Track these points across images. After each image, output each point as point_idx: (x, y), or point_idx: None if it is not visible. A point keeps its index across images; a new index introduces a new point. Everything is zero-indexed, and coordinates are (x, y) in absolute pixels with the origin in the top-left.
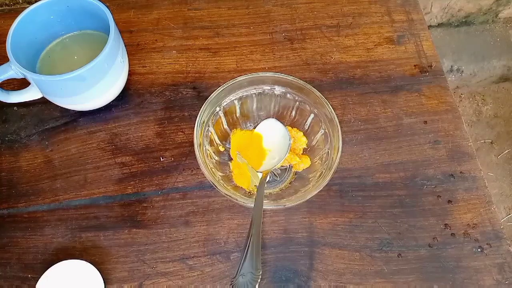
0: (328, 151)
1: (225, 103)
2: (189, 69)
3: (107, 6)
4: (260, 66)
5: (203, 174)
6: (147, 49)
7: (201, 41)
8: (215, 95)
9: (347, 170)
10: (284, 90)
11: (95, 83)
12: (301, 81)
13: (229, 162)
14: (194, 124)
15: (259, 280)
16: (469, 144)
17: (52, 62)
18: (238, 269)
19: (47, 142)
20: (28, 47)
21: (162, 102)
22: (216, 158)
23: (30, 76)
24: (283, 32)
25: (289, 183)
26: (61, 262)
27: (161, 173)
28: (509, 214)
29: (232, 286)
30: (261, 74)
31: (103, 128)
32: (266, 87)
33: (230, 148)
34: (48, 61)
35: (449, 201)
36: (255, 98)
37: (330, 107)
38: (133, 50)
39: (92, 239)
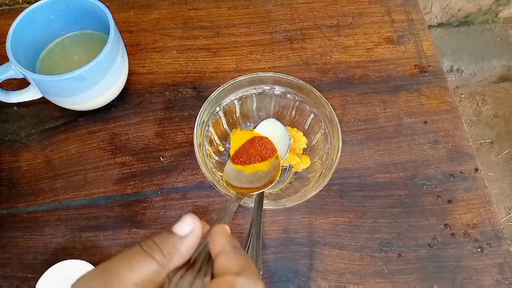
0: (328, 151)
1: (225, 103)
2: (189, 69)
3: (107, 6)
4: (260, 66)
5: (203, 174)
6: (147, 49)
7: (201, 41)
8: (215, 95)
9: (347, 170)
10: (284, 90)
11: (95, 83)
12: (301, 81)
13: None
14: (194, 124)
15: None
16: (469, 144)
17: (52, 62)
18: None
19: (47, 142)
20: (28, 47)
21: (162, 102)
22: (216, 158)
23: (30, 76)
24: (283, 32)
25: (289, 183)
26: (61, 262)
27: (161, 173)
28: (509, 214)
29: None
30: (261, 74)
31: (103, 128)
32: (266, 87)
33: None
34: (48, 61)
35: (449, 201)
36: (255, 98)
37: (330, 107)
38: (133, 50)
39: (92, 239)
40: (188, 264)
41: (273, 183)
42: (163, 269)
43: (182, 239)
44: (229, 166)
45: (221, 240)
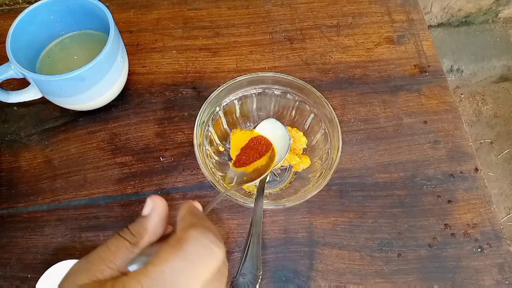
0: (328, 151)
1: (225, 103)
2: (189, 69)
3: (107, 6)
4: (260, 66)
5: (203, 174)
6: (147, 49)
7: (201, 41)
8: (215, 95)
9: (347, 170)
10: (284, 90)
11: (95, 83)
12: (301, 81)
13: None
14: (194, 124)
15: (259, 280)
16: (469, 144)
17: (52, 62)
18: (239, 269)
19: (47, 142)
20: (28, 47)
21: (162, 102)
22: (216, 158)
23: (29, 76)
24: (283, 32)
25: (289, 183)
26: (61, 262)
27: (161, 173)
28: (509, 214)
29: (233, 286)
30: (261, 74)
31: (103, 128)
32: (266, 87)
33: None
34: (48, 61)
35: (449, 201)
36: (255, 98)
37: (330, 107)
38: (133, 50)
39: (92, 239)
40: None
41: (267, 172)
42: (136, 247)
43: (147, 218)
44: (232, 170)
45: (183, 211)
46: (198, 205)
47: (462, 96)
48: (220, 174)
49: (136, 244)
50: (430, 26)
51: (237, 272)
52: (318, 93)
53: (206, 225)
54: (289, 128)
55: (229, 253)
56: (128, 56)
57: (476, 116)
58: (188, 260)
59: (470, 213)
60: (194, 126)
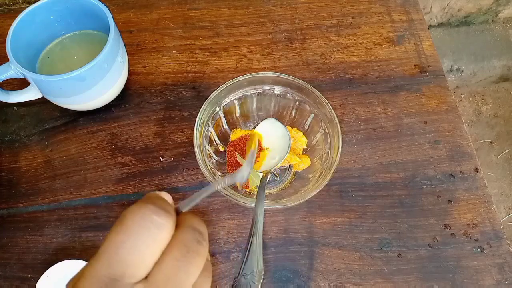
0: (328, 151)
1: (225, 103)
2: (189, 69)
3: (107, 6)
4: (259, 66)
5: (203, 174)
6: (147, 49)
7: (200, 41)
8: (215, 95)
9: (347, 170)
10: (284, 90)
11: (95, 83)
12: (301, 81)
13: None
14: (194, 124)
15: (261, 280)
16: (469, 144)
17: (52, 62)
18: (241, 269)
19: (47, 142)
20: (28, 47)
21: (162, 102)
22: (216, 158)
23: (29, 76)
24: (283, 32)
25: (289, 183)
26: (61, 262)
27: (161, 173)
28: (509, 214)
29: (235, 287)
30: (261, 74)
31: (103, 128)
32: (266, 87)
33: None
34: (48, 61)
35: (449, 201)
36: (255, 98)
37: (330, 107)
38: (133, 50)
39: (92, 239)
40: None
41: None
42: None
43: None
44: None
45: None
46: (164, 195)
47: (462, 96)
48: (220, 174)
49: None
50: (430, 26)
51: (239, 273)
52: (318, 93)
53: (150, 200)
54: (289, 128)
55: (229, 253)
56: (128, 56)
57: (476, 116)
58: (127, 232)
59: (470, 213)
60: (194, 126)
